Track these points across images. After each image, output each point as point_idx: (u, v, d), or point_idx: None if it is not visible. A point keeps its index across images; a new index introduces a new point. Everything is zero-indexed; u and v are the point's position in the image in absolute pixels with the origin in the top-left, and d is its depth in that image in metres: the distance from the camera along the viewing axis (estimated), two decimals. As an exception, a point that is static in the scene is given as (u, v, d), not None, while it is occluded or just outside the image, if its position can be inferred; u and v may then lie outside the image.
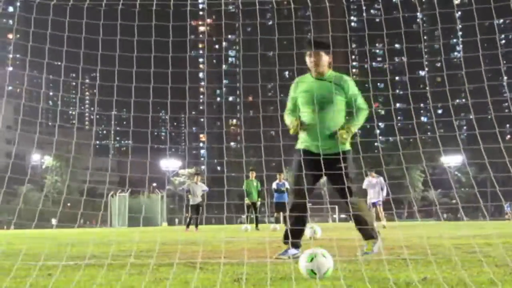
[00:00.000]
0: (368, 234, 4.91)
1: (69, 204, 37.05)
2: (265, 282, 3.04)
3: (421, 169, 66.28)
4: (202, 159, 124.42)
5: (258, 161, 5.25)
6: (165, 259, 4.82)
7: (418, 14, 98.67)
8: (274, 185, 17.07)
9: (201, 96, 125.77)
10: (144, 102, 5.12)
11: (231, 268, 3.92)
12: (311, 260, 3.26)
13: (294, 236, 4.76)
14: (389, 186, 18.35)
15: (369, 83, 4.68)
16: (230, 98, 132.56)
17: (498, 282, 2.86)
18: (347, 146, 4.96)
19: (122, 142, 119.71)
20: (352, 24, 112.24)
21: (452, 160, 59.25)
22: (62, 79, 5.05)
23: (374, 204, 17.65)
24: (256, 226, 17.12)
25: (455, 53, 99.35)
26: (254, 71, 5.30)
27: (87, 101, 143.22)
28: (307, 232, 7.10)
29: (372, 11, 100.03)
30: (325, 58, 5.00)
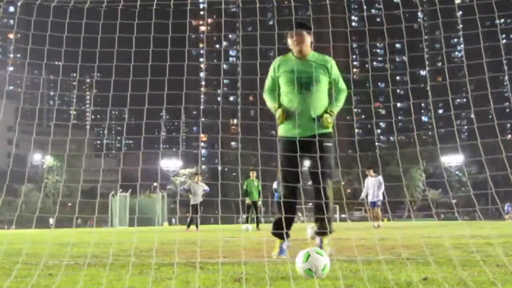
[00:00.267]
0: (324, 226, 4.75)
1: (69, 204, 36.99)
2: (266, 282, 3.05)
3: (422, 168, 66.17)
4: (203, 159, 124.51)
5: (259, 161, 5.23)
6: (166, 258, 4.82)
7: (419, 13, 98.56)
8: (274, 185, 17.03)
9: (202, 96, 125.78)
10: (144, 102, 5.12)
11: (231, 268, 3.92)
12: (307, 259, 3.25)
13: (287, 225, 4.64)
14: (389, 186, 18.24)
15: (370, 83, 4.69)
16: (231, 98, 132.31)
17: (498, 282, 2.86)
18: (330, 129, 4.94)
19: (124, 141, 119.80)
20: (353, 24, 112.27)
21: (453, 160, 59.07)
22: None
23: (373, 204, 17.43)
24: (257, 226, 17.10)
25: (456, 53, 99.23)
26: (254, 70, 5.28)
27: (87, 101, 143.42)
28: (308, 232, 7.08)
29: (373, 10, 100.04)
30: (308, 38, 4.98)
